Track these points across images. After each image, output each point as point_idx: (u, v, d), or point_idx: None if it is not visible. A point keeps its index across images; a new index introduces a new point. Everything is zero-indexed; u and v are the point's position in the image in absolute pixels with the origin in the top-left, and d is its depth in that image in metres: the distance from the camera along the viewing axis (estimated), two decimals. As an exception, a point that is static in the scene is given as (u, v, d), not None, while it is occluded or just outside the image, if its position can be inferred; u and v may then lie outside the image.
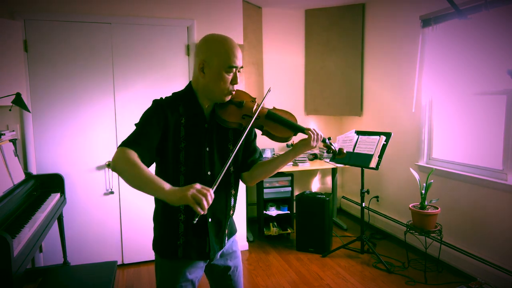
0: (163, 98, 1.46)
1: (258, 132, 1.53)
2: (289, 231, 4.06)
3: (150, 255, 3.47)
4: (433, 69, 3.42)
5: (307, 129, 1.49)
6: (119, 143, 3.59)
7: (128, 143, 1.32)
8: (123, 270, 3.35)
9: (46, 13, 3.05)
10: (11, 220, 2.26)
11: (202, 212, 1.14)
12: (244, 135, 1.40)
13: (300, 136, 1.50)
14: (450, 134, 3.36)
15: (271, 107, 1.57)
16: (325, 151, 1.65)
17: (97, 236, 3.31)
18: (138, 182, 1.24)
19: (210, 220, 1.49)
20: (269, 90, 1.56)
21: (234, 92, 1.46)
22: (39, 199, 2.75)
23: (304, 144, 1.49)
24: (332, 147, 1.58)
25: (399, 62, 3.82)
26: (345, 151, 1.59)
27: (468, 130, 3.18)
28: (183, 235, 1.47)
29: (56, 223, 3.02)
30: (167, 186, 1.21)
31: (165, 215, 1.49)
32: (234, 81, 1.42)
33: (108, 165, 3.28)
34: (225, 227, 1.56)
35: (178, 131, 1.42)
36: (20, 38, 2.97)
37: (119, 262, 3.39)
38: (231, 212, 1.59)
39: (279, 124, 1.50)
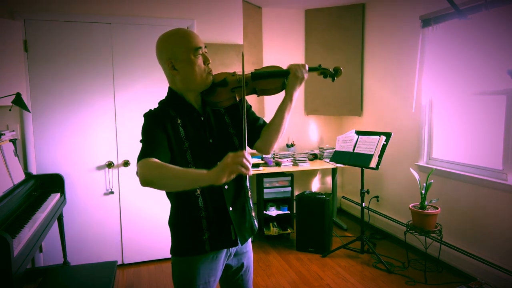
0: (152, 109, 1.47)
1: (254, 98, 1.54)
2: (289, 231, 4.06)
3: (150, 255, 3.47)
4: (433, 69, 3.42)
5: (289, 65, 1.49)
6: (119, 143, 3.60)
7: (144, 154, 1.31)
8: (123, 270, 3.35)
9: (46, 13, 3.05)
10: (11, 220, 2.26)
11: (250, 173, 1.17)
12: (245, 106, 1.37)
13: None
14: (450, 134, 3.36)
15: (252, 70, 1.58)
16: (322, 75, 1.63)
17: (97, 236, 3.31)
18: (175, 180, 1.24)
19: (230, 208, 1.49)
20: (243, 55, 1.53)
21: (212, 71, 1.46)
22: (39, 199, 2.75)
23: (292, 80, 1.48)
24: (328, 70, 1.57)
25: (399, 62, 3.82)
26: (342, 69, 1.57)
27: (468, 130, 3.18)
28: (207, 230, 1.46)
29: (56, 223, 3.02)
30: (204, 171, 1.20)
31: (184, 217, 1.48)
32: (206, 60, 1.43)
33: (109, 165, 3.29)
34: (249, 209, 1.57)
35: (178, 132, 1.43)
36: (20, 38, 2.97)
37: (119, 262, 3.40)
38: (249, 193, 1.59)
39: (268, 78, 1.51)
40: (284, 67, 1.54)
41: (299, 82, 1.49)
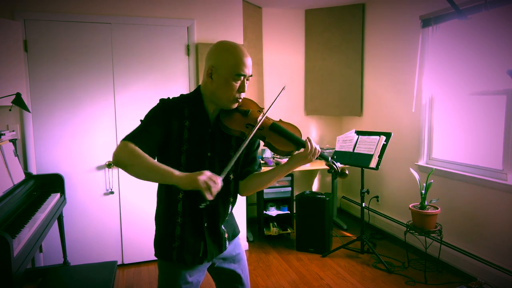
0: (170, 98, 1.46)
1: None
2: (289, 231, 4.06)
3: (150, 255, 3.46)
4: (433, 69, 3.42)
5: (308, 138, 1.46)
6: (119, 143, 3.58)
7: (131, 137, 1.32)
8: (123, 270, 3.35)
9: (46, 13, 3.05)
10: (11, 220, 2.26)
11: (211, 198, 1.20)
12: (245, 145, 1.38)
13: None
14: (450, 134, 3.36)
15: (277, 119, 1.55)
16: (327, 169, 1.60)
17: (97, 236, 3.30)
18: (145, 171, 1.26)
19: (206, 224, 1.49)
20: (279, 94, 1.50)
21: (240, 100, 1.45)
22: (39, 199, 2.75)
23: (300, 157, 1.45)
24: (335, 166, 1.53)
25: (399, 62, 3.82)
26: (347, 172, 1.52)
27: (468, 130, 3.18)
28: (178, 238, 1.47)
29: (56, 223, 3.01)
30: (176, 171, 1.24)
31: (164, 216, 1.50)
32: (241, 89, 1.41)
33: (109, 165, 3.28)
34: (222, 231, 1.56)
35: (182, 133, 1.42)
36: (20, 38, 2.97)
37: (119, 262, 3.39)
38: (227, 217, 1.59)
39: (282, 137, 1.48)
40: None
41: (305, 162, 1.47)
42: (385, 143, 3.29)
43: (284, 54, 4.59)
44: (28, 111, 2.80)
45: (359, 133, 3.56)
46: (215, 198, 1.28)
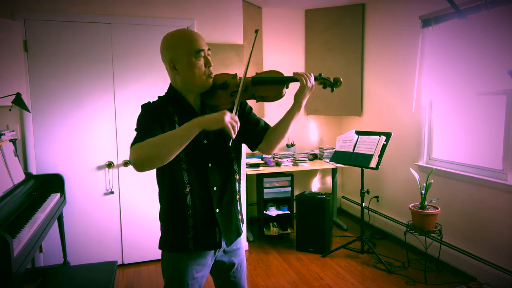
0: (151, 102, 1.47)
1: (254, 102, 1.54)
2: (289, 231, 4.06)
3: (150, 255, 3.47)
4: (433, 69, 3.42)
5: (295, 73, 1.48)
6: (119, 143, 3.60)
7: (136, 140, 1.33)
8: (123, 270, 3.35)
9: (46, 13, 3.05)
10: (11, 220, 2.26)
11: (234, 136, 1.28)
12: (237, 106, 1.38)
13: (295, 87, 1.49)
14: (450, 134, 3.36)
15: (254, 74, 1.57)
16: (321, 86, 1.61)
17: (97, 236, 3.30)
18: (168, 144, 1.24)
19: (217, 210, 1.50)
20: (256, 32, 1.52)
21: (212, 74, 1.46)
22: (39, 199, 2.75)
23: (301, 90, 1.48)
24: (329, 80, 1.55)
25: (399, 62, 3.82)
26: (341, 80, 1.56)
27: (468, 130, 3.18)
28: (192, 228, 1.48)
29: (56, 223, 3.02)
30: (195, 120, 1.27)
31: (172, 212, 1.50)
32: (207, 63, 1.43)
33: (109, 165, 3.28)
34: (236, 212, 1.58)
35: (174, 128, 1.43)
36: (20, 38, 2.97)
37: (119, 262, 3.39)
38: (238, 196, 1.60)
39: (267, 84, 1.50)
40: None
41: (308, 91, 1.48)
42: (385, 143, 3.29)
43: (284, 54, 4.59)
44: (28, 111, 2.80)
45: (359, 133, 3.56)
46: (221, 182, 1.46)
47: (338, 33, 4.45)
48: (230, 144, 1.35)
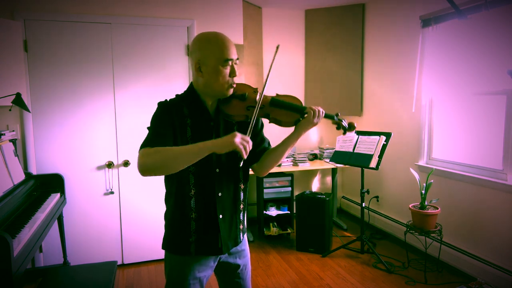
0: (168, 100, 1.47)
1: (266, 120, 1.53)
2: (289, 231, 4.06)
3: (150, 255, 3.47)
4: (433, 69, 3.42)
5: (309, 107, 1.48)
6: (119, 143, 3.59)
7: (146, 143, 1.34)
8: (123, 270, 3.35)
9: (46, 13, 3.05)
10: (11, 220, 2.26)
11: (245, 156, 1.29)
12: (252, 124, 1.38)
13: None
14: (450, 134, 3.36)
15: (274, 94, 1.57)
16: (335, 127, 1.63)
17: (97, 236, 3.30)
18: (178, 157, 1.28)
19: (221, 216, 1.50)
20: (277, 48, 1.50)
21: (234, 85, 1.46)
22: (39, 199, 2.75)
23: (305, 122, 1.48)
24: (342, 123, 1.56)
25: (399, 62, 3.82)
26: (355, 125, 1.57)
27: (468, 130, 3.18)
28: (195, 232, 1.48)
29: (56, 223, 3.02)
30: (207, 142, 1.29)
31: (176, 214, 1.50)
32: (232, 73, 1.43)
33: (109, 165, 3.28)
34: (238, 221, 1.57)
35: (185, 131, 1.43)
36: (20, 38, 2.97)
37: (119, 262, 3.39)
38: (241, 206, 1.59)
39: (284, 109, 1.50)
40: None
41: (311, 126, 1.49)
42: (385, 143, 3.29)
43: (284, 54, 4.58)
44: (28, 111, 2.80)
45: (359, 133, 3.56)
46: (226, 189, 1.44)
47: (338, 33, 4.45)
48: (241, 165, 1.34)
